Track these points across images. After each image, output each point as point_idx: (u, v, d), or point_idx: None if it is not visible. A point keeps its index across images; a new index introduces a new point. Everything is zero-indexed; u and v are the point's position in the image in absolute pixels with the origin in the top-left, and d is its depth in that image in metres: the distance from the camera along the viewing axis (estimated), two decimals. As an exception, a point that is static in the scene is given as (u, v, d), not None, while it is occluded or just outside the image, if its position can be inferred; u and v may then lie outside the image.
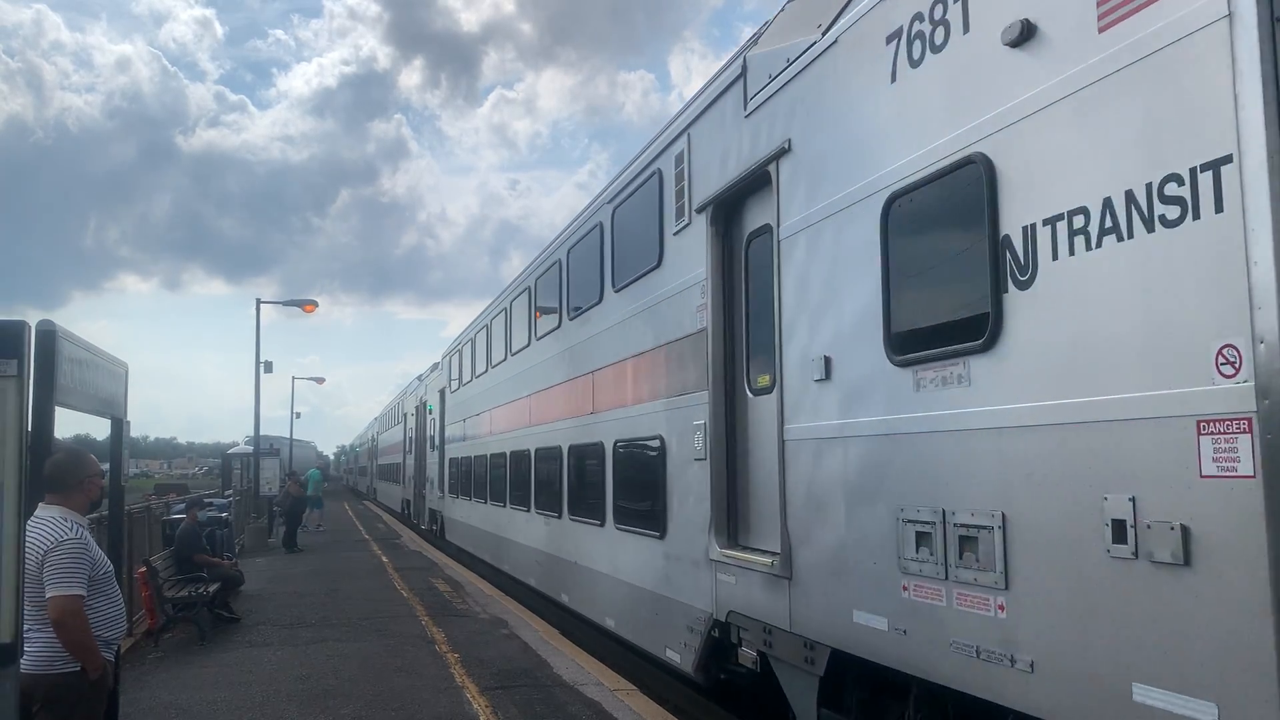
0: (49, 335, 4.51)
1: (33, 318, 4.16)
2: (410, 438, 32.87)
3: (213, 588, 12.39)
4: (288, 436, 54.13)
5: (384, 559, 21.41)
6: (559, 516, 12.15)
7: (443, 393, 23.91)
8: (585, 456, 11.07)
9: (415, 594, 15.35)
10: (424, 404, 28.57)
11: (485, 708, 8.18)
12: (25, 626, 4.07)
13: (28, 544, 4.34)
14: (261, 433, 29.93)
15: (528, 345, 14.23)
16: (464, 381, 20.72)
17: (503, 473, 15.95)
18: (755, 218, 6.94)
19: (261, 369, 29.23)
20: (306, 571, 19.05)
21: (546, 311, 13.26)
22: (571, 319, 11.73)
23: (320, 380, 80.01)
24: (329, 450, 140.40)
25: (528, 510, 14.08)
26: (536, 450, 13.49)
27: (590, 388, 10.81)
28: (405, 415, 35.38)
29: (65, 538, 4.64)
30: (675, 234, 8.16)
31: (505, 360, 16.01)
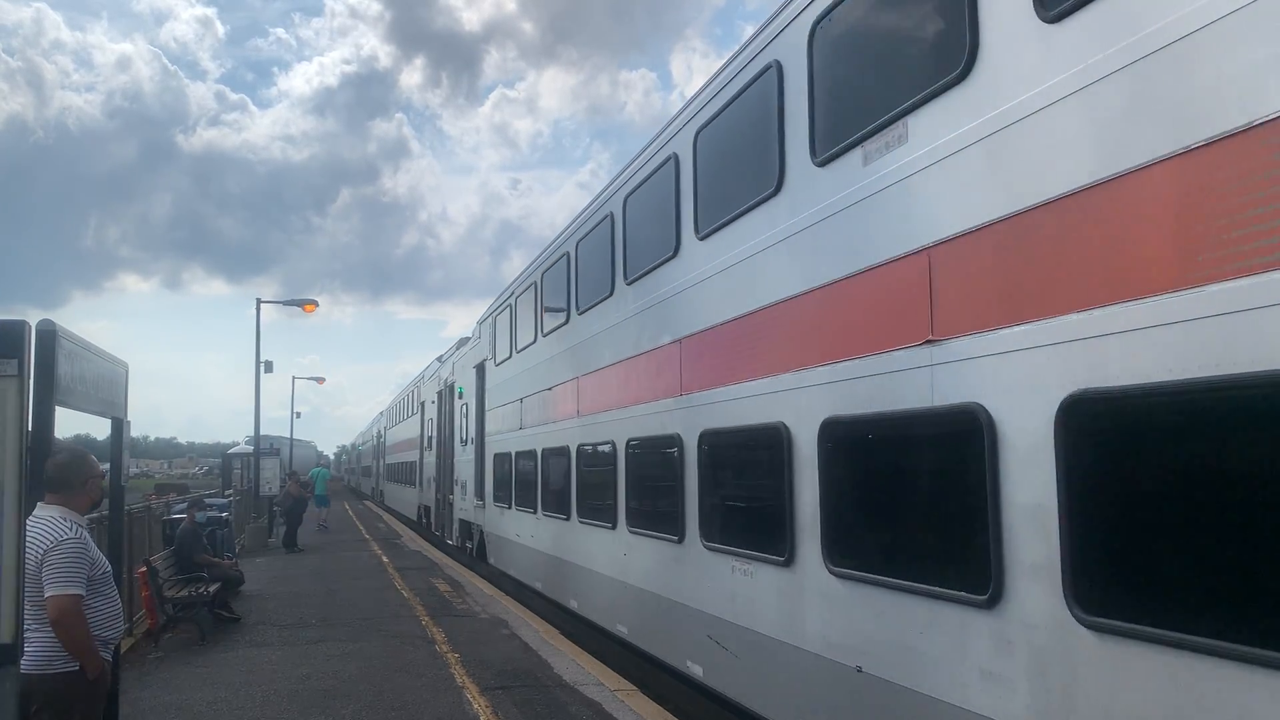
0: (49, 335, 4.49)
1: (33, 317, 4.15)
2: (430, 433, 27.99)
3: (213, 588, 12.39)
4: (288, 436, 54.16)
5: (384, 559, 21.41)
6: (786, 565, 6.36)
7: (481, 369, 18.46)
8: (878, 438, 5.51)
9: (415, 594, 15.34)
10: (451, 387, 23.02)
11: (485, 708, 8.17)
12: (24, 626, 4.07)
13: (27, 543, 4.33)
14: (262, 433, 29.93)
15: (673, 255, 8.53)
16: (519, 347, 14.96)
17: (608, 476, 10.22)
18: None
19: (262, 369, 29.22)
20: (306, 571, 19.05)
21: (724, 193, 7.60)
22: (824, 162, 6.03)
23: (320, 380, 79.96)
24: (329, 450, 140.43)
25: (678, 541, 8.32)
26: (706, 435, 7.83)
27: (921, 286, 4.98)
28: (423, 404, 30.27)
29: (65, 537, 4.64)
30: None
31: (610, 298, 10.31)
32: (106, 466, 6.19)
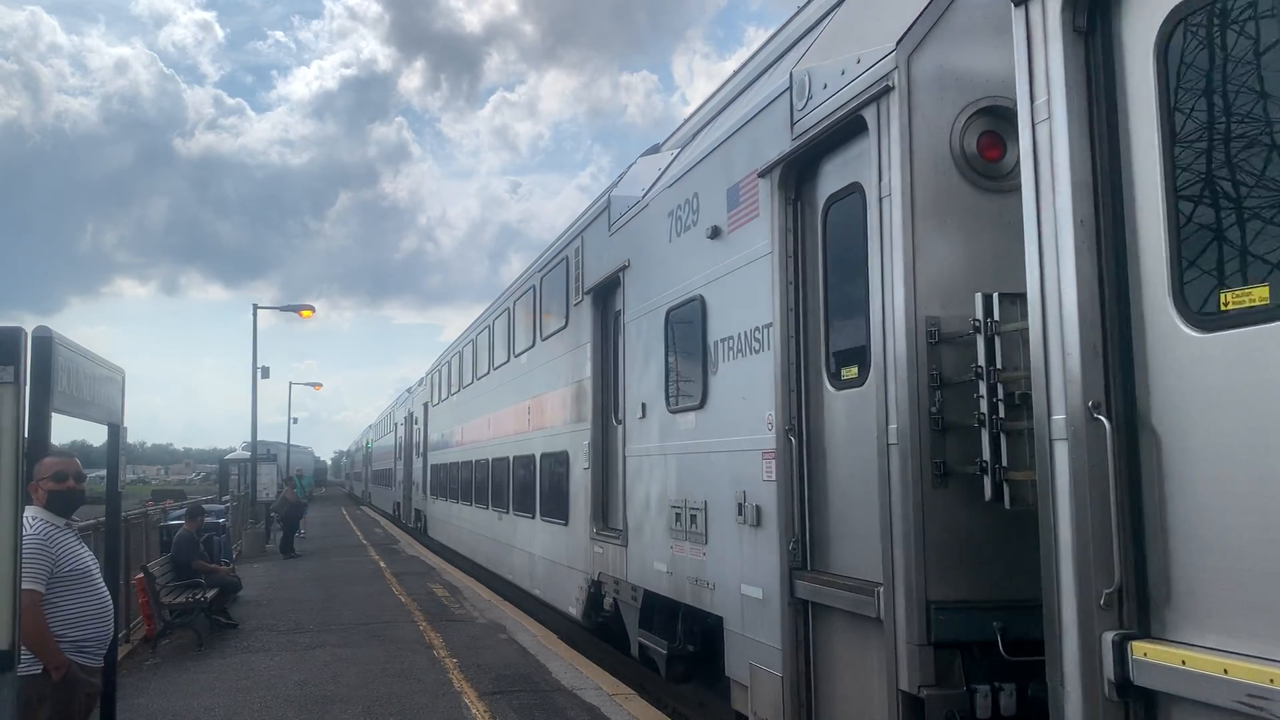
0: (45, 342, 4.50)
1: (29, 324, 4.18)
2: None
3: (210, 594, 12.38)
4: (285, 442, 54.11)
5: (381, 564, 21.40)
6: None
7: None
8: None
9: (413, 599, 15.33)
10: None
11: (483, 713, 8.17)
12: None
13: None
14: (259, 438, 29.91)
15: None
16: None
17: None
18: None
19: (258, 374, 29.25)
20: (304, 577, 19.03)
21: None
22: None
23: (317, 386, 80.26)
24: (326, 455, 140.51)
25: None
26: None
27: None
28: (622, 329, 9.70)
29: (24, 533, 4.59)
30: None
31: None
32: (101, 473, 6.20)
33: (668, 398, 8.18)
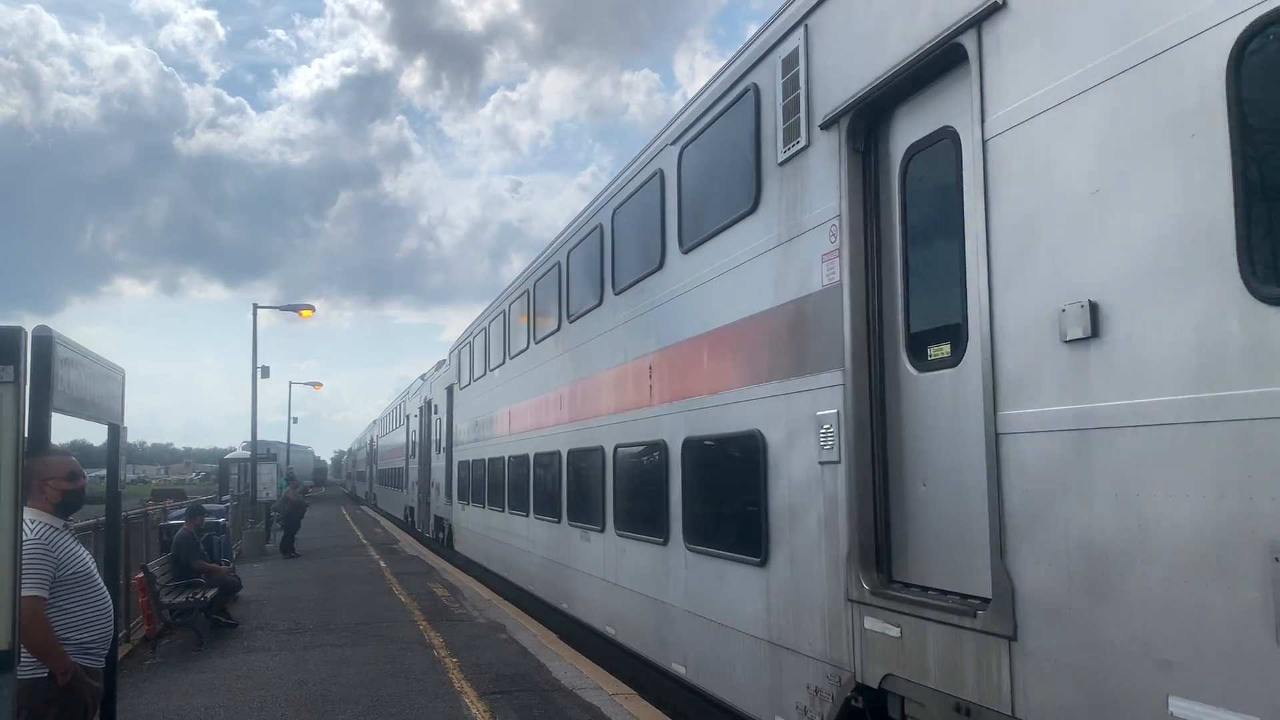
0: (45, 341, 4.49)
1: (29, 323, 4.18)
2: None
3: (210, 593, 12.39)
4: (285, 441, 54.12)
5: (381, 564, 21.40)
6: None
7: None
8: None
9: (413, 599, 15.33)
10: None
11: (484, 712, 8.17)
12: None
13: None
14: (259, 438, 29.89)
15: None
16: None
17: None
18: None
19: (258, 374, 29.23)
20: (304, 577, 19.03)
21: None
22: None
23: (317, 385, 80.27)
24: (326, 455, 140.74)
25: None
26: None
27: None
28: None
29: (24, 538, 4.58)
30: None
31: None
32: (101, 472, 6.19)
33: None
